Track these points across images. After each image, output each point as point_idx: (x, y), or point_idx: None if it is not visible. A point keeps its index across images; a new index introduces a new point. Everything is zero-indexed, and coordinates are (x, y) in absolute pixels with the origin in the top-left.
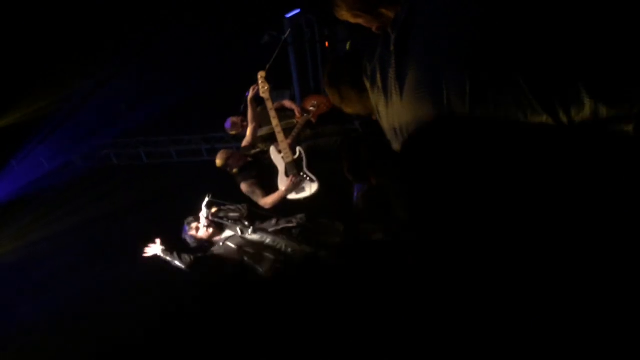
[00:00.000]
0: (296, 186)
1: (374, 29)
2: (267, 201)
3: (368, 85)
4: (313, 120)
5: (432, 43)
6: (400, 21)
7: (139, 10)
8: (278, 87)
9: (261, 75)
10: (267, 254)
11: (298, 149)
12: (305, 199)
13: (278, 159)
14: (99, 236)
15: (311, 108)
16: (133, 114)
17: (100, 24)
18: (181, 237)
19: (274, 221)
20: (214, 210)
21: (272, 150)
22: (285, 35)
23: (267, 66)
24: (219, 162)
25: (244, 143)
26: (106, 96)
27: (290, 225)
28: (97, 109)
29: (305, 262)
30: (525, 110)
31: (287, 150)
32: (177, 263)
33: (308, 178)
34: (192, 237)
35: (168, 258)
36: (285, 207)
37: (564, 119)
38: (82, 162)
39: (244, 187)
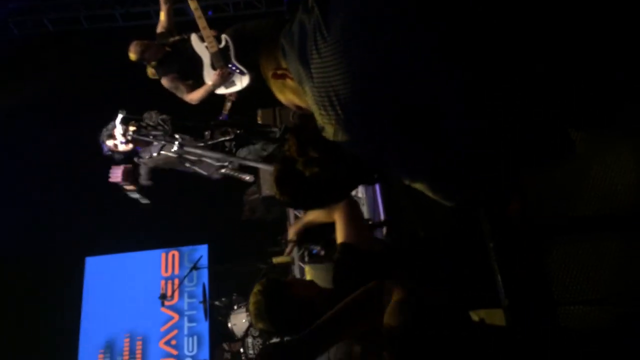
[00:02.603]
0: (225, 79)
1: None
2: (193, 97)
3: (283, 62)
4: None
5: None
6: None
7: None
8: None
9: None
10: (209, 160)
11: (223, 36)
12: (236, 93)
13: (202, 48)
14: None
15: None
16: None
17: None
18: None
19: (207, 134)
20: (132, 128)
21: (194, 38)
22: None
23: None
24: (133, 55)
25: (159, 29)
26: None
27: (228, 137)
28: None
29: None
30: None
31: (211, 38)
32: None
33: (238, 70)
34: (114, 152)
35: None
36: None
37: None
38: None
39: (165, 82)
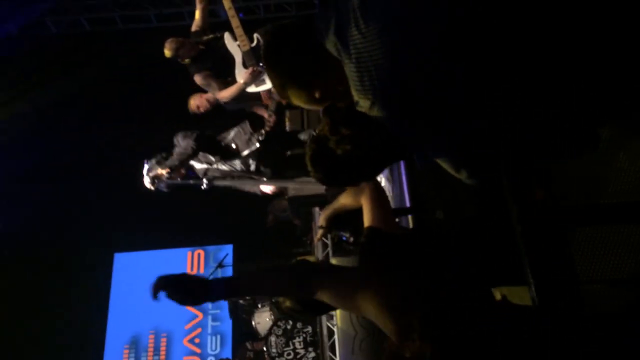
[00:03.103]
0: (255, 78)
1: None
2: (224, 94)
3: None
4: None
5: None
6: None
7: None
8: None
9: None
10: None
11: (255, 35)
12: (265, 92)
13: (234, 47)
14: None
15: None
16: None
17: None
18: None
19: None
20: (163, 173)
21: (227, 37)
22: None
23: None
24: (167, 52)
25: (194, 27)
26: None
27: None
28: None
29: None
30: None
31: (244, 37)
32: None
33: None
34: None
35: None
36: None
37: None
38: (19, 31)
39: (198, 79)
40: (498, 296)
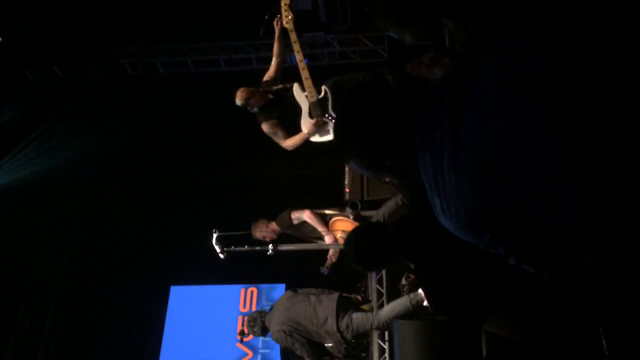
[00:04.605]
0: (320, 128)
1: None
2: (289, 143)
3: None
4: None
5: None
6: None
7: None
8: None
9: (285, 2)
10: None
11: (323, 87)
12: (329, 142)
13: (302, 97)
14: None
15: (340, 236)
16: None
17: None
18: None
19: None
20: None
21: (296, 87)
22: None
23: None
24: (239, 101)
25: (266, 77)
26: None
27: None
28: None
29: None
30: None
31: (312, 88)
32: None
33: (333, 120)
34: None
35: None
36: None
37: None
38: (97, 72)
39: (265, 127)
40: None
